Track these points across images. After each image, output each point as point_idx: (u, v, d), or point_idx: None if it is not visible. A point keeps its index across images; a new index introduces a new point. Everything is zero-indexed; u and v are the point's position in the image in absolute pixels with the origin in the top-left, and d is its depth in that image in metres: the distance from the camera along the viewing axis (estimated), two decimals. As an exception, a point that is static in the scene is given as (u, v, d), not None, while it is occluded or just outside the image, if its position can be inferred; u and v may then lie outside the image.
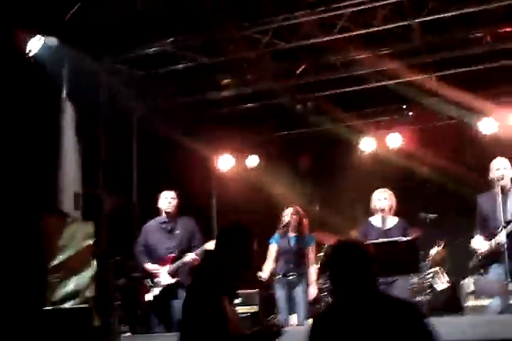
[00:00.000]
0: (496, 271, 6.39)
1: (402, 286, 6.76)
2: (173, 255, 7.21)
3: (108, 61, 8.92)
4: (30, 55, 7.57)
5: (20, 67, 7.48)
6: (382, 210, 7.02)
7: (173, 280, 7.14)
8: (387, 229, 6.95)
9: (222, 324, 3.63)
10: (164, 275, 7.17)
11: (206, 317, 3.63)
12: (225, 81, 9.79)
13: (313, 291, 7.42)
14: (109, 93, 8.96)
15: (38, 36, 7.61)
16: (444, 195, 9.84)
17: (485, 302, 7.64)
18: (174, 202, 7.40)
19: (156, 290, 7.20)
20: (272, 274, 7.52)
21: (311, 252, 7.55)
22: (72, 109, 7.34)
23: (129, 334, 7.67)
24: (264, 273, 7.47)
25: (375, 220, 7.11)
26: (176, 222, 7.39)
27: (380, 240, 6.53)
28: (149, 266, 7.28)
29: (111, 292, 7.99)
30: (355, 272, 3.37)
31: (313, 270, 7.45)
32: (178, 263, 7.17)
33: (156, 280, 7.22)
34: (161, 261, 7.27)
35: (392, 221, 7.07)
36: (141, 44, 8.71)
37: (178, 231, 7.29)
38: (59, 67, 7.90)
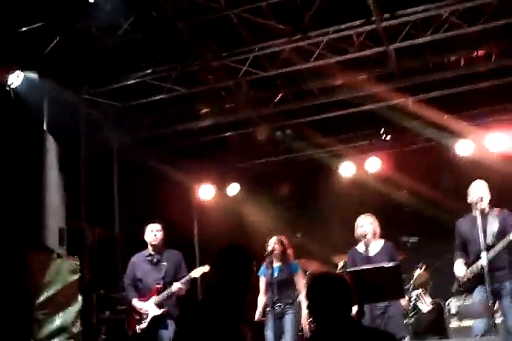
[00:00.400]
0: (479, 293, 6.46)
1: (395, 311, 6.81)
2: (159, 286, 7.19)
3: (87, 93, 8.98)
4: (11, 89, 7.58)
5: (1, 102, 7.51)
6: (365, 236, 7.07)
7: (160, 311, 7.11)
8: (372, 256, 6.99)
9: None
10: (151, 307, 7.14)
11: None
12: (204, 110, 9.85)
13: (303, 322, 7.42)
14: (89, 125, 9.02)
15: (18, 71, 7.63)
16: (422, 219, 9.93)
17: (468, 323, 7.74)
18: (160, 234, 7.39)
19: (144, 323, 7.16)
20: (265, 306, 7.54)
21: (300, 279, 7.54)
22: (53, 142, 7.33)
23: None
24: (257, 312, 7.55)
25: (360, 247, 7.17)
26: (161, 254, 7.37)
27: (363, 267, 6.55)
28: (136, 303, 7.24)
29: (96, 326, 7.95)
30: (334, 304, 3.46)
31: (302, 297, 7.42)
32: (164, 293, 7.13)
33: (143, 313, 7.20)
34: (147, 292, 7.24)
35: (377, 246, 7.12)
36: (120, 76, 8.78)
37: (164, 263, 7.27)
38: (39, 100, 7.92)
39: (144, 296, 7.25)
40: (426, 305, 7.81)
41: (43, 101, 8.01)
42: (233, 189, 11.05)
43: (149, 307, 7.14)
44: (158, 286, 7.20)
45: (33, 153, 7.06)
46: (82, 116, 8.87)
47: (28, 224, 6.18)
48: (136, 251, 7.60)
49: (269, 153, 10.90)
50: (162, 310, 7.12)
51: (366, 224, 7.15)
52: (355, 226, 7.23)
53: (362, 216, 7.27)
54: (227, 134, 10.33)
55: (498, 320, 6.37)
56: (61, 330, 6.39)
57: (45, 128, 7.87)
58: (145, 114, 9.92)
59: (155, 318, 7.12)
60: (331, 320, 3.47)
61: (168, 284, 7.20)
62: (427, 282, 8.39)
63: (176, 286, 7.10)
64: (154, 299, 7.16)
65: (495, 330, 6.17)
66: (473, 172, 8.95)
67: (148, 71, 8.71)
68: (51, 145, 7.33)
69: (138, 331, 7.17)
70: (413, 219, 9.99)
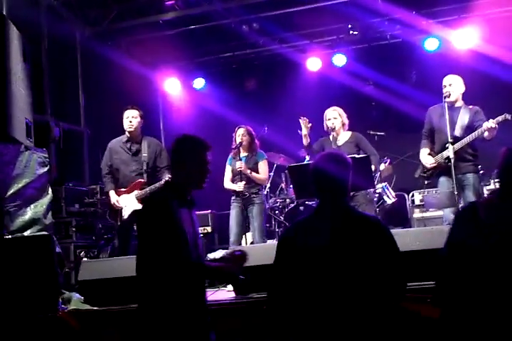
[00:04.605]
0: (443, 184, 6.63)
1: (363, 200, 6.86)
2: (143, 180, 6.94)
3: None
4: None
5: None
6: (333, 129, 7.12)
7: (140, 206, 6.65)
8: (340, 145, 7.07)
9: (177, 239, 3.45)
10: (133, 200, 6.93)
11: (162, 233, 3.43)
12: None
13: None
14: (50, 16, 8.69)
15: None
16: (389, 113, 10.00)
17: (431, 214, 8.01)
18: (135, 121, 7.01)
19: (124, 215, 6.96)
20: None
21: (264, 166, 7.48)
22: (16, 31, 7.05)
23: (86, 259, 7.71)
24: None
25: (329, 139, 7.18)
26: (140, 143, 7.05)
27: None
28: (112, 196, 7.01)
29: (66, 218, 8.00)
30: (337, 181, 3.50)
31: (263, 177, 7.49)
32: (147, 189, 6.85)
33: (122, 205, 6.98)
34: (128, 184, 7.00)
35: (344, 137, 7.17)
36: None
37: (145, 154, 6.97)
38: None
39: (123, 188, 7.02)
40: (390, 197, 7.94)
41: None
42: (199, 83, 10.91)
43: (130, 201, 6.94)
44: (141, 180, 6.93)
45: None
46: (43, 6, 8.52)
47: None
48: (102, 145, 7.36)
49: (234, 48, 10.69)
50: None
51: (333, 118, 7.17)
52: (324, 119, 7.25)
53: (329, 109, 7.27)
54: (192, 27, 10.04)
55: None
56: (33, 222, 6.39)
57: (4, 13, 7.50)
58: (108, 6, 9.56)
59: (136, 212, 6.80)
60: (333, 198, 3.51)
61: (149, 176, 6.97)
62: (391, 176, 8.51)
63: (159, 183, 6.71)
64: (137, 193, 6.93)
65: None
66: (440, 68, 8.98)
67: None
68: (13, 33, 7.05)
69: (118, 222, 7.01)
70: (380, 114, 10.04)
